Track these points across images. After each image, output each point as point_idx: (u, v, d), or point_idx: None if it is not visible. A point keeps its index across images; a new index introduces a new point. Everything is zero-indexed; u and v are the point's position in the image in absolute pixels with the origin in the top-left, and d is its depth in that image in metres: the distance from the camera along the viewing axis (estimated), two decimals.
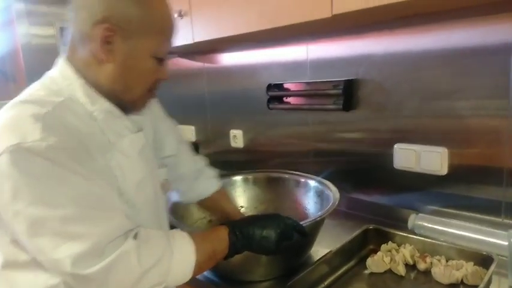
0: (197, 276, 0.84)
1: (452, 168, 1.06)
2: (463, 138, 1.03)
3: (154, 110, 0.93)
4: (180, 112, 1.95)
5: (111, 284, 0.59)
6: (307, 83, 1.34)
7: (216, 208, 1.06)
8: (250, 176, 1.26)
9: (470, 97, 1.00)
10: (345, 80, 1.21)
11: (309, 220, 0.88)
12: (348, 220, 1.24)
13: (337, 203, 0.96)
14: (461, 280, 0.85)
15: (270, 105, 1.46)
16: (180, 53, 1.85)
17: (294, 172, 1.22)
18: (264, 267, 0.92)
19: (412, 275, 0.92)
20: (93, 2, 0.66)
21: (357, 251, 1.01)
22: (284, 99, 1.43)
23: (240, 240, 0.74)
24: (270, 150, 1.57)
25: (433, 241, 0.97)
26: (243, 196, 1.26)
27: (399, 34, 1.09)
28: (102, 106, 0.70)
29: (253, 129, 1.62)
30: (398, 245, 0.99)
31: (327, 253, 0.94)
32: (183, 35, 1.32)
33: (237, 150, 1.70)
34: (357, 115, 1.24)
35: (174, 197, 1.05)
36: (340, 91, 1.21)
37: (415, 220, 1.09)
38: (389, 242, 1.01)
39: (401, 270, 0.91)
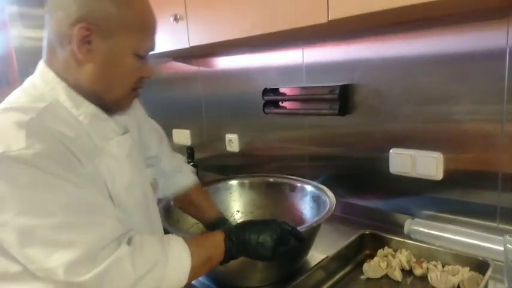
0: (192, 282, 0.84)
1: (448, 173, 1.06)
2: (458, 143, 1.03)
3: (137, 110, 0.92)
4: (175, 116, 1.95)
5: None
6: (303, 88, 1.34)
7: (192, 204, 1.06)
8: (246, 181, 1.25)
9: (465, 102, 1.01)
10: (341, 85, 1.21)
11: (305, 225, 0.88)
12: (344, 225, 1.24)
13: (333, 208, 0.95)
14: (458, 285, 0.85)
15: (266, 110, 1.46)
16: (175, 57, 1.85)
17: (291, 177, 1.22)
18: (261, 272, 0.92)
19: (409, 280, 0.92)
20: (69, 2, 0.64)
21: (353, 256, 1.01)
22: (280, 103, 1.42)
23: (236, 245, 0.74)
24: (266, 154, 1.57)
25: (429, 246, 0.97)
26: (239, 201, 1.25)
27: (394, 39, 1.10)
28: (87, 110, 0.69)
29: (249, 134, 1.62)
30: (395, 250, 0.99)
31: (324, 258, 0.94)
32: (179, 39, 1.32)
33: (232, 155, 1.70)
34: (352, 120, 1.24)
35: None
36: (336, 96, 1.21)
37: (411, 225, 1.10)
38: (386, 247, 1.00)
39: (397, 275, 0.91)
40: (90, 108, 0.70)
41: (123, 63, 0.69)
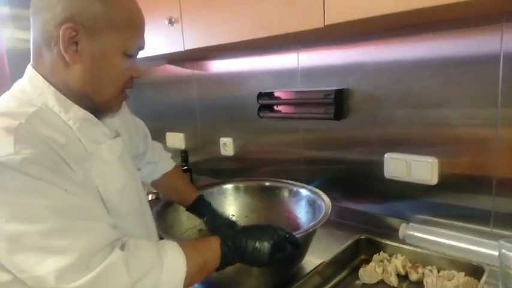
0: None
1: (443, 177, 1.07)
2: (453, 147, 1.04)
3: (125, 113, 0.91)
4: (169, 119, 1.94)
5: None
6: (298, 92, 1.34)
7: (170, 187, 1.11)
8: (241, 185, 1.25)
9: (459, 107, 1.01)
10: (336, 90, 1.21)
11: (301, 231, 0.88)
12: (339, 229, 1.23)
13: (329, 213, 0.95)
14: None
15: (261, 114, 1.45)
16: (168, 60, 1.84)
17: (286, 181, 1.22)
18: (256, 278, 0.91)
19: (404, 285, 0.92)
20: (54, 2, 0.63)
21: (349, 261, 1.01)
22: (275, 107, 1.42)
23: (232, 251, 0.73)
24: (260, 158, 1.56)
25: (425, 251, 0.97)
26: (233, 205, 1.25)
27: (390, 44, 1.10)
28: (77, 114, 0.68)
29: (244, 137, 1.61)
30: (390, 255, 0.99)
31: (319, 264, 0.94)
32: (174, 43, 1.31)
33: (226, 158, 1.69)
34: (347, 124, 1.24)
35: None
36: (331, 100, 1.21)
37: (406, 230, 1.10)
38: (381, 252, 1.00)
39: (393, 281, 0.91)
40: (80, 112, 0.68)
41: (112, 63, 0.68)
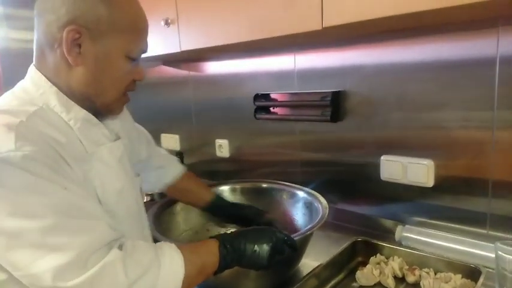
0: None
1: (439, 180, 1.07)
2: (449, 150, 1.04)
3: (126, 118, 0.92)
4: (164, 121, 1.93)
5: None
6: (295, 94, 1.34)
7: (186, 189, 1.10)
8: (237, 186, 1.24)
9: (456, 109, 1.01)
10: (333, 92, 1.21)
11: (299, 233, 0.87)
12: (335, 231, 1.23)
13: (326, 215, 0.95)
14: None
15: (257, 115, 1.45)
16: (164, 61, 1.83)
17: (283, 183, 1.21)
18: (253, 281, 0.90)
19: (401, 287, 0.92)
20: (58, 4, 0.64)
21: (346, 263, 1.01)
22: (271, 109, 1.42)
23: (231, 253, 0.72)
24: (256, 160, 1.56)
25: (421, 253, 0.97)
26: None
27: (387, 47, 1.11)
28: (78, 114, 0.68)
29: (240, 139, 1.61)
30: (387, 258, 0.99)
31: (317, 266, 0.93)
32: (170, 44, 1.31)
33: (222, 160, 1.68)
34: (344, 126, 1.24)
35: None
36: (328, 102, 1.21)
37: (402, 232, 1.10)
38: (378, 254, 1.00)
39: (390, 283, 0.91)
40: (81, 113, 0.69)
41: (115, 66, 0.68)
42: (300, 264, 1.01)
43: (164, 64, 1.85)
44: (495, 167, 0.97)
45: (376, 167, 1.17)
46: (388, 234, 1.14)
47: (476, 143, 0.99)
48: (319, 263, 0.95)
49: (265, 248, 0.74)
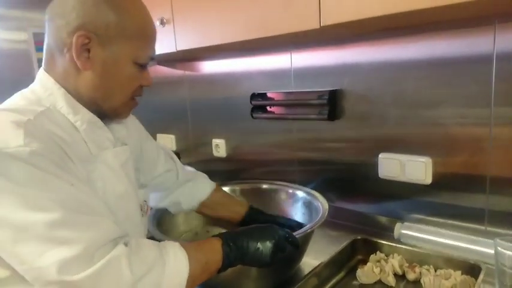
0: None
1: (437, 177, 1.07)
2: (447, 147, 1.05)
3: (139, 129, 0.94)
4: (159, 121, 1.92)
5: None
6: (292, 93, 1.34)
7: (220, 204, 1.06)
8: (237, 187, 1.24)
9: (453, 106, 1.02)
10: (330, 90, 1.21)
11: (301, 231, 0.87)
12: (334, 230, 1.23)
13: (326, 214, 0.95)
14: None
15: (254, 115, 1.45)
16: (159, 61, 1.82)
17: (282, 183, 1.21)
18: (254, 281, 0.90)
19: (402, 285, 0.92)
20: (68, 9, 0.65)
21: (346, 262, 1.01)
22: (268, 108, 1.42)
23: (234, 251, 0.72)
24: (254, 159, 1.55)
25: (421, 251, 0.98)
26: None
27: (384, 45, 1.11)
28: (85, 116, 0.70)
29: (237, 138, 1.60)
30: (387, 255, 0.99)
31: (317, 265, 0.93)
32: (166, 44, 1.30)
33: (219, 160, 1.68)
34: (341, 125, 1.24)
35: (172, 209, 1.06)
36: (325, 101, 1.21)
37: (401, 229, 1.10)
38: (378, 252, 1.01)
39: (391, 281, 0.91)
40: (88, 115, 0.70)
41: (123, 72, 0.70)
42: (300, 263, 1.01)
43: (159, 64, 1.84)
44: (493, 163, 0.98)
45: (374, 165, 1.18)
46: (386, 232, 1.15)
47: (474, 140, 1.00)
48: (319, 262, 0.95)
49: (268, 245, 0.74)
